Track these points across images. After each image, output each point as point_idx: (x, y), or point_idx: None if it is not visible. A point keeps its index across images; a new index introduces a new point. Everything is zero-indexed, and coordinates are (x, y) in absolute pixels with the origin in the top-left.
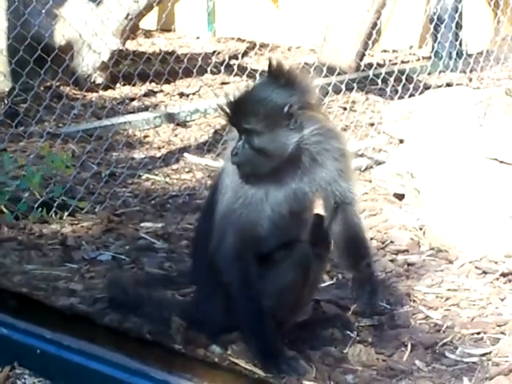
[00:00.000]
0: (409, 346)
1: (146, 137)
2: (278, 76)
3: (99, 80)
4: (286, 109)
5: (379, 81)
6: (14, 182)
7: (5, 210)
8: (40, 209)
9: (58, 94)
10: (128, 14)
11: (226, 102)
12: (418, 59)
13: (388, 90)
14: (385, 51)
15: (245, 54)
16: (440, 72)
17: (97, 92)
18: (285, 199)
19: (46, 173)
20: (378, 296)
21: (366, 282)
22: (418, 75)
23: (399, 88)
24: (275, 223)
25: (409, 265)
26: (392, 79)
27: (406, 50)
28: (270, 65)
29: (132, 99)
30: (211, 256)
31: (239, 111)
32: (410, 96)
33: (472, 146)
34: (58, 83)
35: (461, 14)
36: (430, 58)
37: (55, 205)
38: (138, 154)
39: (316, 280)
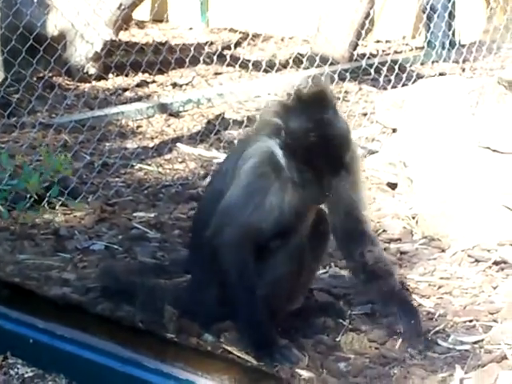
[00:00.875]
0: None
1: (138, 127)
2: (326, 101)
3: (92, 70)
4: None
5: (372, 71)
6: (11, 180)
7: (1, 208)
8: (33, 199)
9: (51, 84)
10: (121, 4)
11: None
12: (411, 49)
13: (381, 79)
14: (378, 41)
15: (238, 44)
16: (433, 62)
17: (89, 82)
18: (298, 199)
19: (44, 172)
20: (421, 325)
21: (406, 312)
22: (411, 65)
23: (392, 78)
24: (281, 220)
25: (401, 253)
26: (385, 69)
27: (399, 40)
28: (315, 95)
29: (125, 89)
30: (208, 242)
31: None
32: (402, 86)
33: (464, 135)
34: (50, 73)
35: (454, 3)
36: (423, 48)
37: (47, 195)
38: (130, 144)
39: (312, 270)
